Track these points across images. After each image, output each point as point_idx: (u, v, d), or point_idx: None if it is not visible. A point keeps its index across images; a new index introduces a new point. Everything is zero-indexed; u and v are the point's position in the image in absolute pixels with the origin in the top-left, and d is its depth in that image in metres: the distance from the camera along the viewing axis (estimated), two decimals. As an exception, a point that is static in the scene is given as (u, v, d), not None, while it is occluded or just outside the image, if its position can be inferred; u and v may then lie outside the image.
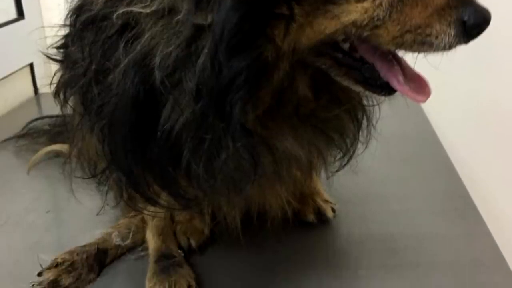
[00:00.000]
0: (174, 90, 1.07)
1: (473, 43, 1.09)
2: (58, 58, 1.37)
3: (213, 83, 1.02)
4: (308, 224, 1.69)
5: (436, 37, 1.07)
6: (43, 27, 1.60)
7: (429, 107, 2.52)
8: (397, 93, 1.19)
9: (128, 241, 1.57)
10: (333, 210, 1.73)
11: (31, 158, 2.13)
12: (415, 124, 2.43)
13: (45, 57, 1.40)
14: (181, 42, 1.04)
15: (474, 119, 2.32)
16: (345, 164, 1.48)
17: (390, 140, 1.85)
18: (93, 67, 1.15)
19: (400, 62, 1.18)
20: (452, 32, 1.06)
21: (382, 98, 1.27)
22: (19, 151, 2.26)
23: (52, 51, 1.38)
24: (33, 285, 1.42)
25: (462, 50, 1.10)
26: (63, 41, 1.34)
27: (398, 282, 1.45)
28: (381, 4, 1.05)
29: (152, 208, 1.38)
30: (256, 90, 1.07)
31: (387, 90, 1.18)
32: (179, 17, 1.04)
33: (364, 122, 1.41)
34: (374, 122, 1.45)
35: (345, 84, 1.20)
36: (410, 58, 1.17)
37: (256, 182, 1.23)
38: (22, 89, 3.00)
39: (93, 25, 1.16)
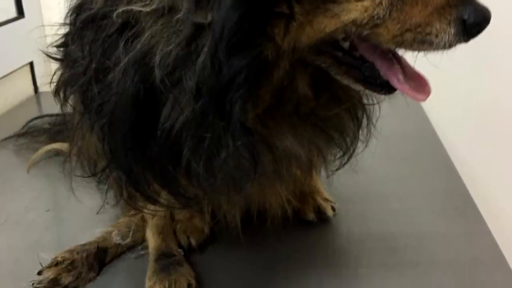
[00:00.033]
0: (174, 88, 1.07)
1: (473, 41, 1.09)
2: (58, 56, 1.37)
3: (213, 82, 1.02)
4: (308, 223, 1.69)
5: (436, 36, 1.07)
6: (43, 25, 1.61)
7: (429, 105, 2.52)
8: (397, 92, 1.19)
9: (128, 240, 1.57)
10: (333, 209, 1.73)
11: (31, 156, 2.13)
12: (415, 122, 2.43)
13: (45, 55, 1.40)
14: (181, 41, 1.04)
15: (474, 117, 2.32)
16: (345, 163, 1.48)
17: (390, 138, 1.85)
18: (93, 65, 1.15)
19: (400, 61, 1.18)
20: (452, 31, 1.06)
21: (382, 96, 1.27)
22: (19, 150, 2.26)
23: (52, 50, 1.38)
24: (33, 284, 1.42)
25: (462, 48, 1.10)
26: (63, 39, 1.34)
27: (398, 281, 1.46)
28: (381, 2, 1.05)
29: (152, 207, 1.38)
30: (256, 88, 1.07)
31: (387, 88, 1.18)
32: (179, 15, 1.04)
33: (364, 121, 1.41)
34: (374, 121, 1.45)
35: (345, 82, 1.20)
36: (410, 57, 1.17)
37: (256, 181, 1.23)
38: (22, 87, 3.00)
39: (93, 24, 1.16)
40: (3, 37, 2.73)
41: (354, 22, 1.05)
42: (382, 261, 1.53)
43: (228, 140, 1.08)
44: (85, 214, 1.73)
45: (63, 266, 1.45)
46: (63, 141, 2.05)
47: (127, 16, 1.09)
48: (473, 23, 1.06)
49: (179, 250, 1.54)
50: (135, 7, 1.08)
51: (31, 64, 3.02)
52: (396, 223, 1.70)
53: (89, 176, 1.46)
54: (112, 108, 1.13)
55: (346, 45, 1.16)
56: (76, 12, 1.21)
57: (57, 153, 2.12)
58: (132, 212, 1.61)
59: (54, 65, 1.38)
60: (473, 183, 1.94)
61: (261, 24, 1.02)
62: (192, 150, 1.12)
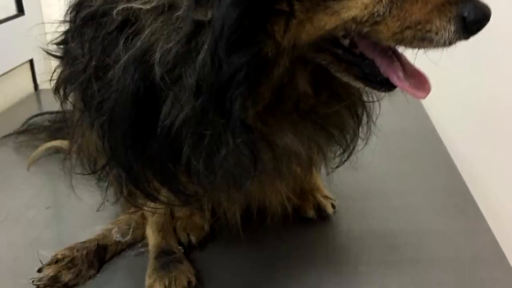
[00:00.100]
0: (174, 86, 1.07)
1: (473, 39, 1.09)
2: (58, 54, 1.37)
3: (213, 79, 1.02)
4: (308, 220, 1.69)
5: (436, 33, 1.07)
6: (43, 23, 1.60)
7: (429, 103, 2.52)
8: (397, 89, 1.19)
9: (128, 237, 1.57)
10: (333, 206, 1.74)
11: (31, 154, 2.13)
12: (415, 120, 2.44)
13: (45, 53, 1.40)
14: (181, 38, 1.04)
15: (474, 115, 2.31)
16: (345, 160, 1.48)
17: (390, 136, 1.85)
18: (93, 63, 1.15)
19: (400, 58, 1.19)
20: (452, 28, 1.06)
21: (382, 94, 1.27)
22: (19, 147, 2.27)
23: (52, 47, 1.38)
24: (33, 281, 1.43)
25: (462, 46, 1.10)
26: (63, 37, 1.34)
27: (398, 278, 1.46)
28: (381, 0, 1.05)
29: (152, 204, 1.38)
30: (256, 86, 1.07)
31: (387, 86, 1.18)
32: (179, 13, 1.04)
33: (364, 118, 1.41)
34: (374, 118, 1.45)
35: (345, 80, 1.20)
36: (410, 54, 1.17)
37: (256, 178, 1.23)
38: (22, 85, 3.00)
39: (93, 21, 1.16)
40: (3, 34, 2.73)
41: (354, 19, 1.06)
42: (382, 259, 1.53)
43: (228, 137, 1.08)
44: (85, 211, 1.73)
45: (63, 263, 1.46)
46: (63, 138, 2.06)
47: (127, 13, 1.09)
48: (473, 20, 1.06)
49: (179, 247, 1.54)
50: (135, 5, 1.08)
51: (31, 62, 3.02)
52: (396, 220, 1.71)
53: (89, 174, 1.46)
54: (112, 106, 1.13)
55: (346, 42, 1.16)
56: (76, 9, 1.21)
57: (57, 150, 2.12)
58: (132, 209, 1.61)
59: (54, 63, 1.39)
60: (473, 180, 1.94)
61: (261, 21, 1.02)
62: (192, 147, 1.12)
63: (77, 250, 1.49)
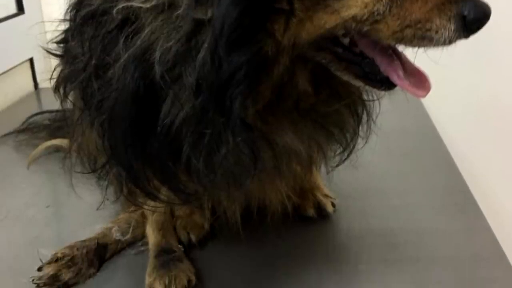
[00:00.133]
0: (174, 84, 1.07)
1: (473, 38, 1.09)
2: (58, 53, 1.37)
3: (213, 78, 1.02)
4: (308, 219, 1.70)
5: (436, 32, 1.07)
6: (43, 22, 1.60)
7: (429, 101, 2.52)
8: (397, 88, 1.19)
9: (128, 236, 1.57)
10: (333, 205, 1.74)
11: (31, 152, 2.13)
12: (415, 118, 2.43)
13: (45, 52, 1.40)
14: (181, 37, 1.04)
15: (474, 113, 2.31)
16: (345, 159, 1.48)
17: (390, 135, 1.85)
18: (93, 62, 1.15)
19: (400, 57, 1.19)
20: (452, 27, 1.06)
21: (382, 92, 1.27)
22: (19, 146, 2.27)
23: (52, 46, 1.38)
24: (33, 280, 1.43)
25: (462, 45, 1.10)
26: (63, 36, 1.34)
27: (398, 277, 1.46)
28: (381, -2, 1.05)
29: (152, 203, 1.38)
30: (256, 84, 1.07)
31: (387, 84, 1.18)
32: (179, 11, 1.04)
33: (364, 117, 1.41)
34: (374, 117, 1.45)
35: (345, 78, 1.20)
36: (410, 53, 1.17)
37: (256, 177, 1.23)
38: (22, 84, 3.00)
39: (93, 20, 1.16)
40: (3, 33, 2.73)
41: (354, 18, 1.06)
42: (382, 257, 1.53)
43: (228, 136, 1.08)
44: (85, 210, 1.73)
45: (63, 262, 1.46)
46: (63, 137, 2.06)
47: (127, 12, 1.09)
48: (473, 19, 1.06)
49: (179, 246, 1.54)
50: (135, 3, 1.08)
51: (31, 60, 3.02)
52: (396, 219, 1.71)
53: (89, 172, 1.46)
54: (112, 104, 1.13)
55: (346, 41, 1.16)
56: (76, 8, 1.21)
57: (57, 149, 2.12)
58: (132, 208, 1.61)
59: (54, 61, 1.39)
60: (473, 179, 1.94)
61: (261, 20, 1.02)
62: (192, 146, 1.12)
63: (77, 249, 1.49)
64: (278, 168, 1.31)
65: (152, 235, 1.55)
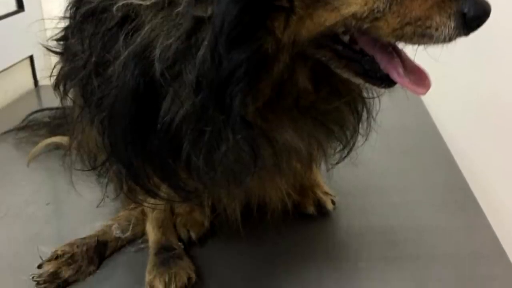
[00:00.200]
0: (174, 82, 1.07)
1: (473, 35, 1.09)
2: (58, 50, 1.37)
3: (213, 75, 1.02)
4: (308, 216, 1.69)
5: (436, 29, 1.07)
6: (43, 19, 1.61)
7: (429, 99, 2.51)
8: (397, 85, 1.19)
9: (128, 233, 1.57)
10: (333, 202, 1.73)
11: (31, 150, 2.13)
12: (415, 116, 2.43)
13: (45, 49, 1.40)
14: (181, 34, 1.04)
15: (474, 111, 2.32)
16: (345, 156, 1.48)
17: (390, 132, 1.85)
18: (93, 59, 1.15)
19: (400, 54, 1.18)
20: (452, 24, 1.06)
21: (382, 90, 1.27)
22: (19, 143, 2.27)
23: (52, 43, 1.38)
24: (33, 277, 1.42)
25: (462, 42, 1.10)
26: (63, 33, 1.34)
27: (398, 274, 1.46)
28: (381, -4, 1.05)
29: (152, 200, 1.38)
30: (256, 82, 1.07)
31: (387, 82, 1.18)
32: (179, 9, 1.04)
33: (364, 114, 1.41)
34: (374, 114, 1.45)
35: (345, 76, 1.20)
36: (410, 50, 1.17)
37: (256, 174, 1.23)
38: (22, 81, 3.00)
39: (93, 17, 1.16)
40: (3, 30, 2.73)
41: (354, 15, 1.05)
42: (382, 255, 1.53)
43: (228, 133, 1.08)
44: (85, 207, 1.74)
45: (63, 259, 1.46)
46: (63, 134, 2.06)
47: (127, 9, 1.09)
48: (473, 16, 1.05)
49: (179, 243, 1.54)
50: (135, 1, 1.08)
51: (31, 58, 3.02)
52: (396, 216, 1.71)
53: (89, 170, 1.46)
54: (112, 102, 1.13)
55: (346, 38, 1.16)
56: (76, 5, 1.21)
57: (57, 146, 2.12)
58: (132, 205, 1.61)
59: (54, 59, 1.38)
60: (473, 176, 1.94)
61: (261, 17, 1.02)
62: (192, 143, 1.12)
63: (77, 246, 1.49)
64: (278, 166, 1.31)
65: (152, 233, 1.55)
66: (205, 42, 1.02)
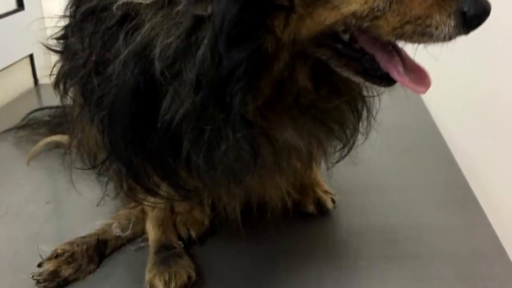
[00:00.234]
0: (174, 81, 1.07)
1: (473, 34, 1.09)
2: (58, 49, 1.37)
3: (213, 74, 1.02)
4: (308, 215, 1.69)
5: (436, 28, 1.07)
6: (43, 18, 1.60)
7: (429, 98, 2.51)
8: (397, 84, 1.18)
9: (128, 232, 1.57)
10: (333, 201, 1.73)
11: (31, 149, 2.13)
12: (415, 115, 2.43)
13: (45, 48, 1.40)
14: (181, 33, 1.04)
15: (474, 110, 2.32)
16: (345, 155, 1.48)
17: (390, 131, 1.85)
18: (93, 58, 1.15)
19: (400, 53, 1.18)
20: (452, 23, 1.06)
21: (382, 89, 1.27)
22: (19, 142, 2.27)
23: (52, 42, 1.38)
24: (33, 276, 1.42)
25: (462, 41, 1.10)
26: (63, 32, 1.34)
27: (398, 273, 1.46)
28: (381, -6, 1.05)
29: (152, 199, 1.38)
30: (256, 81, 1.07)
31: (387, 81, 1.18)
32: (179, 8, 1.04)
33: (364, 113, 1.41)
34: (374, 113, 1.45)
35: (345, 75, 1.20)
36: (410, 49, 1.17)
37: (256, 173, 1.23)
38: (22, 80, 3.00)
39: (93, 16, 1.16)
40: (3, 29, 2.73)
41: (354, 14, 1.05)
42: (382, 253, 1.53)
43: (228, 132, 1.08)
44: (85, 206, 1.74)
45: (63, 258, 1.45)
46: (63, 133, 2.06)
47: (127, 8, 1.09)
48: (473, 15, 1.05)
49: (179, 242, 1.54)
50: (135, -1, 1.08)
51: (31, 57, 3.02)
52: (396, 215, 1.70)
53: (89, 169, 1.46)
54: (112, 101, 1.13)
55: (346, 37, 1.15)
56: (76, 4, 1.21)
57: (57, 145, 2.12)
58: (132, 204, 1.61)
59: (54, 58, 1.38)
60: (473, 175, 1.94)
61: (261, 16, 1.02)
62: (192, 142, 1.12)
63: (77, 245, 1.49)
64: (278, 164, 1.31)
65: (152, 231, 1.55)
66: (205, 41, 1.02)
